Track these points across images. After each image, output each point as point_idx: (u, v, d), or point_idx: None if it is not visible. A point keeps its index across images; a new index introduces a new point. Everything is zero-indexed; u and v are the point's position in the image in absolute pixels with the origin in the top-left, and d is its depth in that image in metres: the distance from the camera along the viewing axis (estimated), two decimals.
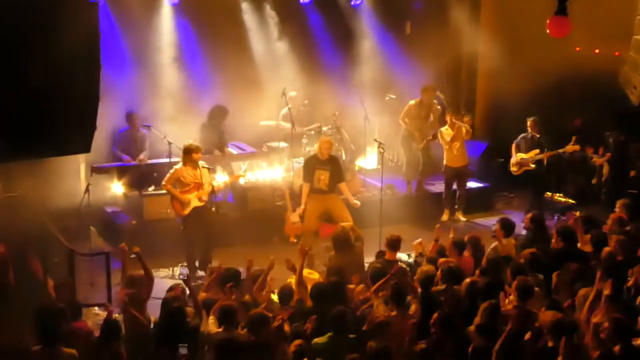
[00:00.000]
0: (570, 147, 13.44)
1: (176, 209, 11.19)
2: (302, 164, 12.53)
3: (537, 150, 13.57)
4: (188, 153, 11.09)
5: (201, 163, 11.21)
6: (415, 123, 14.13)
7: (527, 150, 13.71)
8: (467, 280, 8.25)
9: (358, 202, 12.09)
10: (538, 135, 13.65)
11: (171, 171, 11.20)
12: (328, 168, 11.76)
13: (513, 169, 13.88)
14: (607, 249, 9.11)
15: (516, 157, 13.79)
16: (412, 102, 14.14)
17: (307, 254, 8.91)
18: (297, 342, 7.34)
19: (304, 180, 12.03)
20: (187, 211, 11.12)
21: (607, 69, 13.97)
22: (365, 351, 7.06)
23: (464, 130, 13.64)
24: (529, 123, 13.72)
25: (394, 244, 9.67)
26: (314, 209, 11.89)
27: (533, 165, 13.60)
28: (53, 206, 10.97)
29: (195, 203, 11.11)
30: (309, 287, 8.57)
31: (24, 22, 8.17)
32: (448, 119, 13.79)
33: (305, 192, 11.97)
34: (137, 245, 8.90)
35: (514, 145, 13.89)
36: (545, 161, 13.72)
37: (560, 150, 13.50)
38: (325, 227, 12.08)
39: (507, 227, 10.15)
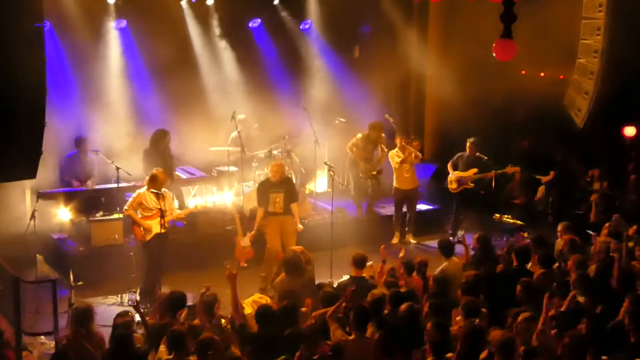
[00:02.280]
0: (511, 169, 13.60)
1: (137, 234, 11.03)
2: (256, 188, 12.45)
3: (476, 170, 13.69)
4: (154, 180, 10.87)
5: (164, 190, 11.01)
6: (361, 154, 14.26)
7: (464, 169, 13.83)
8: (404, 305, 8.15)
9: (301, 227, 12.08)
10: (482, 157, 13.74)
11: (134, 195, 11.04)
12: (282, 190, 11.75)
13: (451, 186, 14.00)
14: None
15: (453, 174, 13.91)
16: (359, 135, 14.28)
17: (235, 278, 8.70)
18: None
19: (258, 204, 11.97)
20: (148, 237, 10.95)
21: (553, 92, 14.21)
22: None
23: (413, 155, 13.74)
24: (468, 144, 13.85)
25: (360, 262, 9.67)
26: (274, 230, 11.78)
27: (472, 184, 13.72)
28: None
29: (157, 230, 10.92)
30: None
31: None
32: (398, 142, 13.88)
33: (259, 216, 11.90)
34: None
35: (450, 164, 14.03)
36: (493, 183, 13.86)
37: (501, 172, 13.64)
38: None
39: (445, 249, 10.26)
